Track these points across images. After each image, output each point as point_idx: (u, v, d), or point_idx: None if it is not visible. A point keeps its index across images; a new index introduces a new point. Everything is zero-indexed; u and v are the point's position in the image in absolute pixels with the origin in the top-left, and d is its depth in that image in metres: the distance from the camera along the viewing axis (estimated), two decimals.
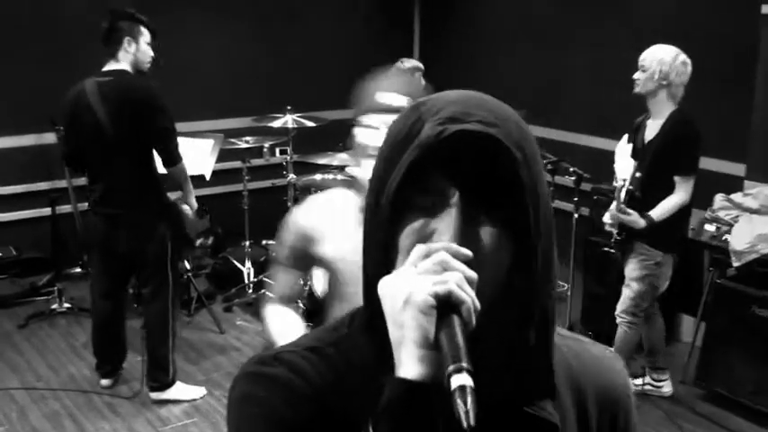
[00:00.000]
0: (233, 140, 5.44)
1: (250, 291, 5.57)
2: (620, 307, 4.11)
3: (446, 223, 0.98)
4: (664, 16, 5.10)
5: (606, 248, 4.55)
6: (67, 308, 5.27)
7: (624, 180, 3.96)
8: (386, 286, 0.96)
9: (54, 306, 5.26)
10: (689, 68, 3.86)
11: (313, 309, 5.11)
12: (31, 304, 5.35)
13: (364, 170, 2.12)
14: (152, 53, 4.05)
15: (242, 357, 4.77)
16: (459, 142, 0.98)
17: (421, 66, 5.49)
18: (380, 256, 1.02)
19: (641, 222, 3.87)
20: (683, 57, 3.84)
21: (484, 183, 0.98)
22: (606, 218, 4.02)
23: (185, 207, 4.23)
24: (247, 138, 5.52)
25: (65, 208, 5.57)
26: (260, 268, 5.75)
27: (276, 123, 5.25)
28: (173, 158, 4.03)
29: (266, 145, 5.43)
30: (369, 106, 2.07)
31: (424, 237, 0.99)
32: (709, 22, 4.84)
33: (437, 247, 0.95)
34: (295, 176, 5.29)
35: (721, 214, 4.39)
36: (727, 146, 4.78)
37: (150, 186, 4.05)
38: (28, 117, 5.52)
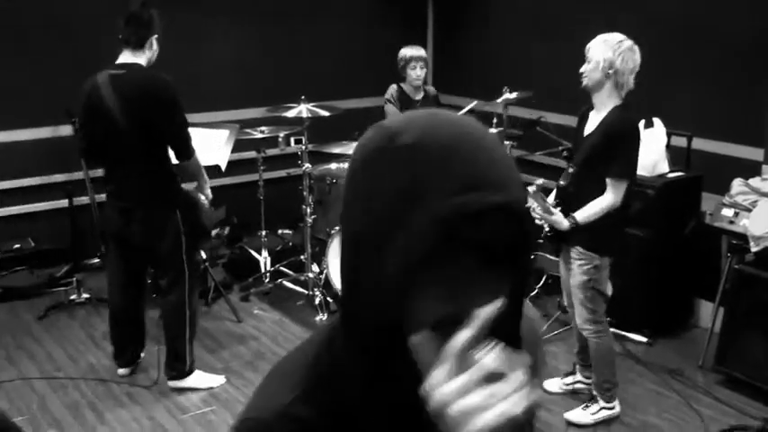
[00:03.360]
0: (248, 130, 5.45)
1: (267, 280, 5.59)
2: (578, 321, 3.92)
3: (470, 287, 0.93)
4: (679, 5, 5.05)
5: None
6: (86, 298, 5.30)
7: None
8: (446, 401, 0.88)
9: (73, 297, 5.29)
10: (637, 55, 3.64)
11: (331, 297, 5.14)
12: (50, 295, 5.39)
13: None
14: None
15: (259, 346, 4.79)
16: (497, 214, 0.93)
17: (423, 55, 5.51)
18: (384, 305, 0.96)
19: (564, 223, 3.68)
20: (628, 42, 3.63)
21: (511, 251, 0.96)
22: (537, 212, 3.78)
23: (202, 198, 4.25)
24: (262, 128, 5.53)
25: (82, 200, 5.60)
26: (276, 257, 5.77)
27: (291, 113, 5.25)
28: (186, 152, 4.03)
29: (281, 135, 5.43)
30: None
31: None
32: (727, 8, 4.80)
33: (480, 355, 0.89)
34: (310, 166, 5.30)
35: (739, 199, 4.37)
36: (745, 131, 4.74)
37: (165, 179, 4.06)
38: (44, 109, 5.54)
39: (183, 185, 4.23)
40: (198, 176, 4.20)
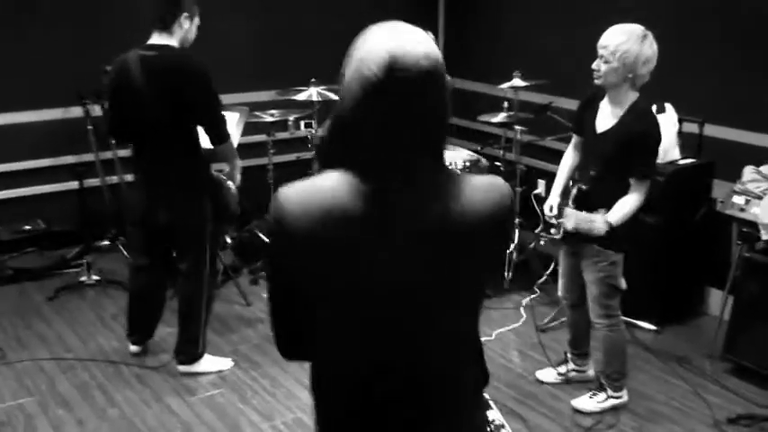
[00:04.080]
0: (258, 114, 5.44)
1: None
2: (591, 315, 3.87)
3: None
4: None
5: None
6: (96, 280, 5.32)
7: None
8: None
9: (83, 278, 5.32)
10: (655, 50, 3.46)
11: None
12: (61, 276, 5.41)
13: None
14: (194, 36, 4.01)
15: (268, 329, 4.77)
16: None
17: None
18: None
19: (603, 229, 3.47)
20: (649, 39, 3.44)
21: None
22: (568, 224, 3.57)
23: (229, 183, 4.21)
24: (272, 111, 5.52)
25: (93, 181, 5.61)
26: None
27: (301, 96, 5.23)
28: (221, 136, 3.98)
29: (291, 118, 5.42)
30: None
31: None
32: None
33: None
34: None
35: (751, 186, 4.34)
36: (757, 117, 4.70)
37: (194, 163, 4.02)
38: (55, 91, 5.55)
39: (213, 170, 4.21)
40: (231, 159, 4.15)
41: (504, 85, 5.46)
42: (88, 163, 5.64)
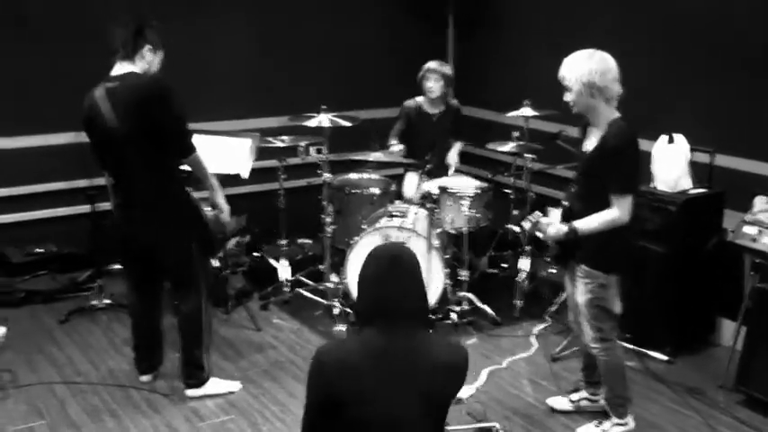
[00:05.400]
0: (269, 139, 5.47)
1: (286, 289, 5.60)
2: (586, 339, 3.88)
3: None
4: (703, 19, 5.03)
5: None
6: (108, 304, 5.34)
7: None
8: None
9: (94, 302, 5.33)
10: (610, 62, 3.56)
11: (350, 307, 5.15)
12: (72, 300, 5.43)
13: None
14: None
15: (278, 355, 4.80)
16: None
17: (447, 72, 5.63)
18: None
19: (563, 228, 3.62)
20: (597, 54, 3.56)
21: None
22: (550, 231, 3.70)
23: (209, 210, 4.20)
24: (283, 137, 5.55)
25: (104, 205, 5.63)
26: (296, 266, 5.78)
27: (311, 123, 5.27)
28: (185, 148, 3.98)
29: (302, 144, 5.45)
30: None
31: None
32: (751, 22, 4.78)
33: None
34: (330, 175, 5.31)
35: (762, 217, 4.34)
36: (765, 147, 4.71)
37: (172, 188, 4.04)
38: (68, 115, 5.55)
39: (193, 195, 4.21)
40: (204, 177, 4.12)
41: (514, 114, 5.49)
42: (100, 187, 5.66)
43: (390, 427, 2.40)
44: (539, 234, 3.75)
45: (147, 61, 3.97)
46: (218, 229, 4.33)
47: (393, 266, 2.49)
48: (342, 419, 2.40)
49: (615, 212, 3.57)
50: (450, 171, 5.76)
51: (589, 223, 3.60)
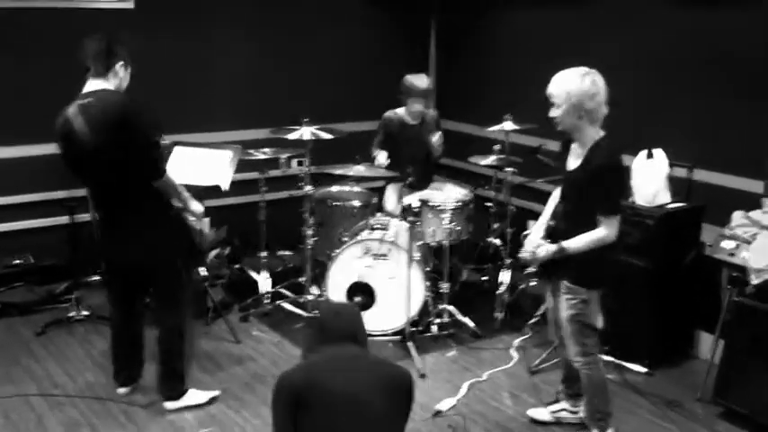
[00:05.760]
0: (251, 151, 5.47)
1: (266, 301, 5.58)
2: (568, 353, 3.90)
3: None
4: (683, 36, 5.09)
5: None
6: (85, 315, 5.29)
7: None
8: None
9: (72, 314, 5.28)
10: (601, 84, 3.56)
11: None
12: (49, 312, 5.37)
13: None
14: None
15: (258, 368, 4.78)
16: None
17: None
18: None
19: (552, 248, 3.62)
20: (589, 76, 3.54)
21: None
22: (535, 250, 3.71)
23: (190, 217, 4.20)
24: (265, 149, 5.55)
25: (83, 216, 5.60)
26: (276, 279, 5.76)
27: (293, 135, 5.28)
28: (155, 171, 3.97)
29: (283, 156, 5.45)
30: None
31: None
32: (731, 39, 4.84)
33: None
34: (312, 188, 5.31)
35: (739, 231, 4.39)
36: (746, 162, 4.77)
37: (150, 200, 4.01)
38: (47, 126, 5.52)
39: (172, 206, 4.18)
40: (174, 195, 4.10)
41: (495, 128, 5.52)
42: (79, 198, 5.63)
43: (352, 403, 2.78)
44: (529, 256, 3.73)
45: (119, 77, 3.99)
46: (203, 238, 4.33)
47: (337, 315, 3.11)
48: (309, 416, 2.78)
49: (603, 232, 3.58)
50: (436, 154, 5.75)
51: (577, 243, 3.61)
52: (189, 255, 4.28)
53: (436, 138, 5.71)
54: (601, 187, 3.57)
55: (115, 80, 3.97)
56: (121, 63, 3.98)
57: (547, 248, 3.66)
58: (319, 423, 2.77)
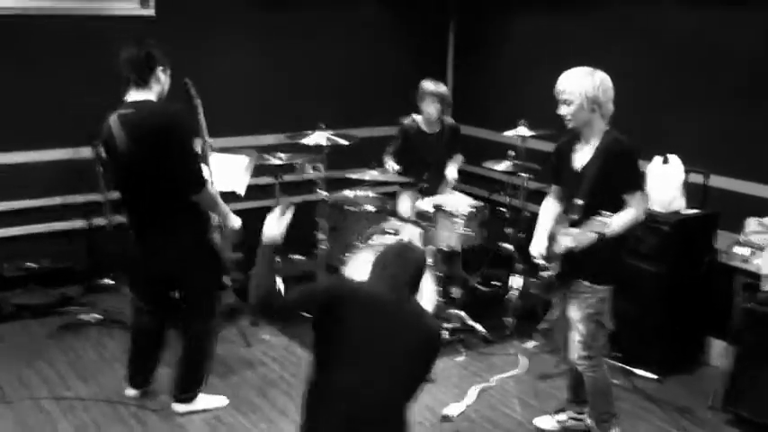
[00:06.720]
0: (266, 156, 5.50)
1: None
2: (573, 355, 3.86)
3: None
4: (689, 39, 5.06)
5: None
6: (99, 319, 5.33)
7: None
8: None
9: (85, 317, 5.33)
10: (609, 82, 3.64)
11: None
12: (63, 315, 5.42)
13: None
14: None
15: (268, 372, 4.79)
16: None
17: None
18: None
19: (601, 228, 3.40)
20: (598, 73, 3.62)
21: None
22: (566, 242, 3.54)
23: (217, 237, 4.21)
24: (280, 154, 5.58)
25: (101, 221, 5.66)
26: (288, 283, 5.76)
27: (309, 140, 5.29)
28: (196, 185, 3.97)
29: (299, 161, 5.47)
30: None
31: None
32: (737, 41, 4.79)
33: None
34: (327, 193, 5.33)
35: (754, 238, 4.34)
36: (761, 169, 4.72)
37: (187, 215, 4.03)
38: (65, 131, 5.63)
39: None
40: (213, 208, 4.14)
41: (510, 133, 5.50)
42: (96, 202, 5.70)
43: (379, 338, 2.85)
44: (570, 244, 3.56)
45: (161, 82, 3.98)
46: (235, 240, 4.41)
47: (400, 253, 3.10)
48: (330, 319, 2.85)
49: (636, 210, 3.62)
50: (449, 188, 5.74)
51: (621, 220, 3.55)
52: (218, 268, 4.31)
53: (453, 171, 5.72)
54: (622, 167, 3.61)
55: (157, 86, 3.96)
56: (161, 68, 3.97)
57: (587, 235, 3.47)
58: (346, 339, 2.83)
